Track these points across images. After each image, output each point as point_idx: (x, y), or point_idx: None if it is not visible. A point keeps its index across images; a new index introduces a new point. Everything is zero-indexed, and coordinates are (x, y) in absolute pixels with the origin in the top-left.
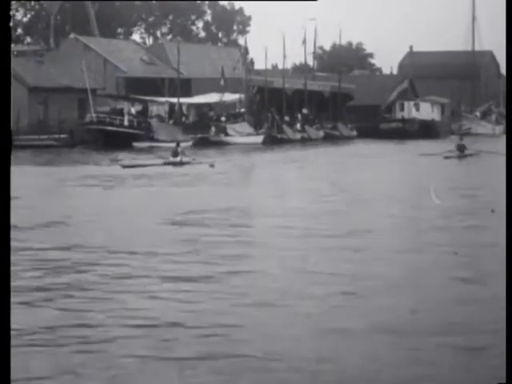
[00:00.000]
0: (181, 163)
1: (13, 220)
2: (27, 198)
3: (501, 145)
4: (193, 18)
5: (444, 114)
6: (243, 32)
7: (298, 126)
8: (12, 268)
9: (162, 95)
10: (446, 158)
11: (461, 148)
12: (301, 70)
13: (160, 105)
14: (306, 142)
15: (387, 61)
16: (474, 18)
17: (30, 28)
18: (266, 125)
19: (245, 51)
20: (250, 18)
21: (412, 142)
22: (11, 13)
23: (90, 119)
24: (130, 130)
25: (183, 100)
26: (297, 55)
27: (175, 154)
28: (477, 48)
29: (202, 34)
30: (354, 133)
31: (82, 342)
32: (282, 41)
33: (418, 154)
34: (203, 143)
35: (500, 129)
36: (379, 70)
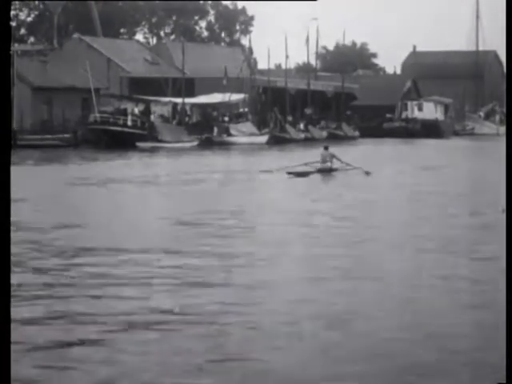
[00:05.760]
0: None
1: None
2: None
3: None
4: (196, 17)
5: (447, 114)
6: (246, 32)
7: (302, 125)
8: None
9: (166, 95)
10: (289, 174)
11: (324, 159)
12: (304, 69)
13: (163, 105)
14: (309, 141)
15: (391, 61)
16: (477, 18)
17: (34, 28)
18: (272, 125)
19: (249, 51)
20: (252, 17)
21: (412, 140)
22: (15, 12)
23: (94, 119)
24: (134, 130)
25: (187, 100)
26: (300, 55)
27: None
28: (480, 48)
29: (205, 33)
30: (357, 133)
31: None
32: (285, 40)
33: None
34: (207, 144)
35: (504, 129)
36: (383, 69)
